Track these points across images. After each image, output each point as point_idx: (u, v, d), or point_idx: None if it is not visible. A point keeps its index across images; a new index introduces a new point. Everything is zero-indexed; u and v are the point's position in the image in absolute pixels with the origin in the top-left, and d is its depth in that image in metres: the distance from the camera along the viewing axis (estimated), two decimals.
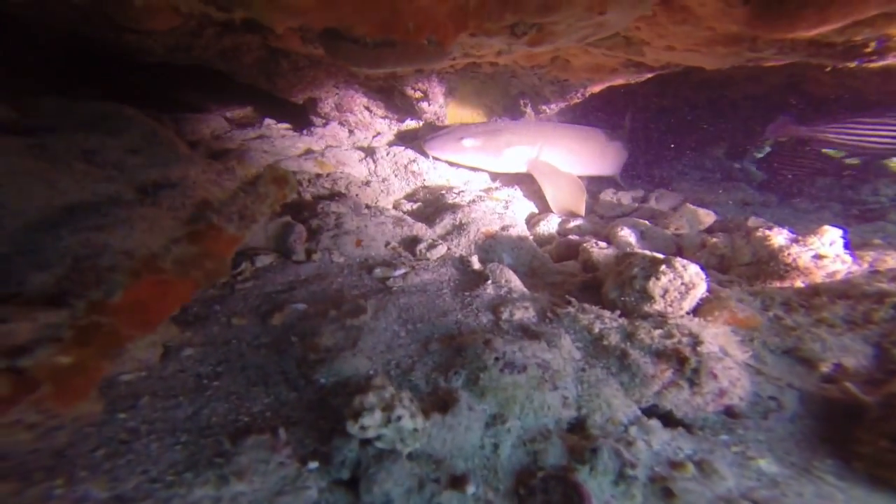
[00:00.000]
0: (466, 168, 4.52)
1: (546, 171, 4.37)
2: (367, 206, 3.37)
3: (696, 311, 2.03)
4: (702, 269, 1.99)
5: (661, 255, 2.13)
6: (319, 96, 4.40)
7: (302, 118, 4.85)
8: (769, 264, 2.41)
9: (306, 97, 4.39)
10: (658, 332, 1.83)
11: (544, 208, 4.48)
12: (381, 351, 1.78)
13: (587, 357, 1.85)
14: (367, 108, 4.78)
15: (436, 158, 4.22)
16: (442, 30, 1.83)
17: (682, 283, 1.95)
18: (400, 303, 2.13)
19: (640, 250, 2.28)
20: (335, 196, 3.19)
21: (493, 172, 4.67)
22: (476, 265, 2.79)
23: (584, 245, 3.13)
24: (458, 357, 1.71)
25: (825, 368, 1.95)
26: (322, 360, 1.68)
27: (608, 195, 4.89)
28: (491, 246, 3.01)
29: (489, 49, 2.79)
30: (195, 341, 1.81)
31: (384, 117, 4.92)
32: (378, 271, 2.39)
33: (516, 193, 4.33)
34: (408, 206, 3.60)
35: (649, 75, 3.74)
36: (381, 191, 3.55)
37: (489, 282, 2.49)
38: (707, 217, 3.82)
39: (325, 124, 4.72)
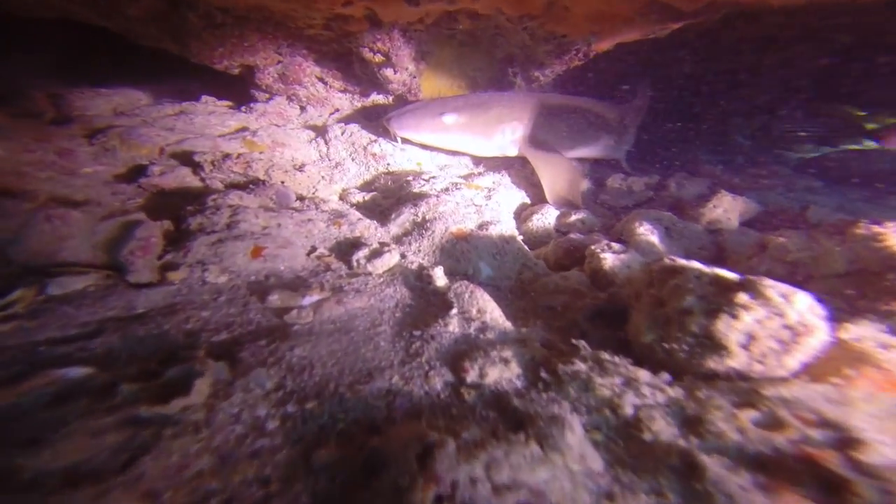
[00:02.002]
0: (446, 152, 3.65)
1: (541, 152, 3.51)
2: (301, 198, 2.51)
3: (807, 370, 1.18)
4: (818, 302, 1.15)
5: (731, 274, 1.29)
6: (256, 64, 3.50)
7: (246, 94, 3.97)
8: (886, 277, 1.56)
9: (239, 65, 3.49)
10: (750, 414, 0.99)
11: (538, 198, 3.62)
12: (189, 483, 0.91)
13: (615, 469, 1.01)
14: (321, 80, 3.89)
15: (406, 141, 3.34)
16: None
17: (785, 326, 1.10)
18: (292, 357, 1.27)
19: (689, 262, 1.45)
20: (251, 184, 2.32)
21: (478, 157, 3.80)
22: (439, 281, 1.94)
23: (592, 248, 2.28)
24: (361, 495, 0.86)
25: None
26: None
27: (616, 181, 4.03)
28: (464, 252, 2.16)
29: None
30: None
31: (343, 91, 4.03)
32: (274, 298, 1.52)
33: (503, 180, 3.46)
34: (358, 197, 2.74)
35: (675, 26, 2.86)
36: (322, 177, 2.67)
37: (453, 311, 1.64)
38: (748, 207, 2.96)
39: (269, 99, 3.84)
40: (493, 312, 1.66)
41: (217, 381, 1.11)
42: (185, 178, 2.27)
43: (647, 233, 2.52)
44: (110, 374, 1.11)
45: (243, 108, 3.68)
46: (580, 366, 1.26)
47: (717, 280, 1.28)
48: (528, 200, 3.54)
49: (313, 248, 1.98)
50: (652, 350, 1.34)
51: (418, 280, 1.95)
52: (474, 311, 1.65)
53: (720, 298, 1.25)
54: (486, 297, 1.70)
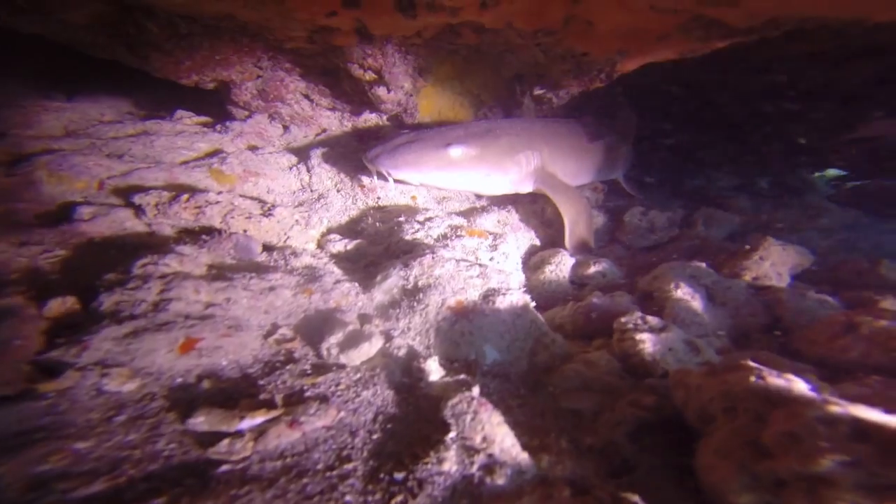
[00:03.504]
0: (444, 188, 3.18)
1: (561, 186, 3.07)
2: (268, 248, 2.07)
3: None
4: None
5: (883, 418, 0.85)
6: (232, 79, 3.08)
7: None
8: None
9: (213, 80, 3.07)
10: None
11: (549, 239, 3.19)
12: None
13: None
14: (307, 97, 3.47)
15: (399, 182, 2.80)
16: None
17: None
18: None
19: (791, 384, 1.01)
20: (203, 234, 1.87)
21: (488, 195, 3.35)
22: (433, 376, 1.51)
23: (623, 322, 1.84)
24: None
25: None
26: None
27: (635, 216, 3.59)
28: (465, 333, 1.71)
29: None
30: None
31: (332, 109, 3.61)
32: (198, 421, 1.08)
33: (510, 218, 3.04)
34: (339, 246, 2.29)
35: (720, 45, 2.43)
36: (296, 221, 2.23)
37: (450, 437, 1.20)
38: (800, 259, 2.53)
39: (247, 118, 3.41)
40: (503, 441, 1.22)
41: None
42: (125, 222, 1.83)
43: (688, 297, 2.09)
44: None
45: (218, 128, 3.26)
46: None
47: (870, 432, 0.84)
48: (537, 242, 3.11)
49: (274, 328, 1.53)
50: None
51: (406, 375, 1.51)
52: (478, 440, 1.21)
53: (890, 471, 0.80)
54: (495, 417, 1.25)
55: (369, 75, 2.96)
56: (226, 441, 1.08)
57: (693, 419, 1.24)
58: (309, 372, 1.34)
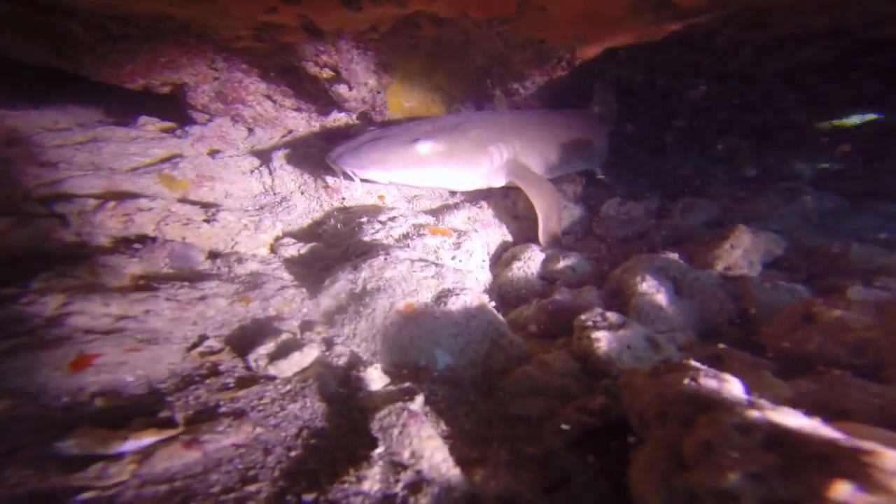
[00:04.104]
0: (413, 186, 3.10)
1: (534, 179, 2.98)
2: (214, 255, 1.98)
3: None
4: None
5: (803, 424, 0.78)
6: (185, 81, 2.98)
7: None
8: None
9: (163, 83, 2.97)
10: None
11: (521, 234, 3.11)
12: None
13: None
14: (269, 98, 3.37)
15: (366, 181, 2.73)
16: None
17: None
18: None
19: (720, 386, 0.93)
20: (136, 241, 1.79)
21: (458, 191, 3.26)
22: (373, 385, 1.43)
23: (582, 319, 1.77)
24: None
25: None
26: None
27: (612, 207, 3.51)
28: (413, 338, 1.64)
29: None
30: None
31: (297, 109, 3.52)
32: (69, 444, 0.99)
33: (481, 214, 2.95)
34: (292, 250, 2.21)
35: (674, 27, 2.35)
36: (245, 226, 2.14)
37: (377, 453, 1.12)
38: (771, 245, 2.45)
39: (208, 121, 3.32)
40: (432, 456, 1.14)
41: None
42: (50, 233, 1.74)
43: (652, 291, 2.01)
44: None
45: (178, 132, 3.17)
46: None
47: (782, 440, 0.76)
48: (509, 238, 3.03)
49: (201, 339, 1.45)
50: None
51: (343, 386, 1.43)
52: (406, 456, 1.13)
53: (795, 485, 0.73)
54: (425, 430, 1.17)
55: (326, 73, 2.87)
56: (97, 465, 0.98)
57: (635, 425, 1.17)
58: (231, 385, 1.26)
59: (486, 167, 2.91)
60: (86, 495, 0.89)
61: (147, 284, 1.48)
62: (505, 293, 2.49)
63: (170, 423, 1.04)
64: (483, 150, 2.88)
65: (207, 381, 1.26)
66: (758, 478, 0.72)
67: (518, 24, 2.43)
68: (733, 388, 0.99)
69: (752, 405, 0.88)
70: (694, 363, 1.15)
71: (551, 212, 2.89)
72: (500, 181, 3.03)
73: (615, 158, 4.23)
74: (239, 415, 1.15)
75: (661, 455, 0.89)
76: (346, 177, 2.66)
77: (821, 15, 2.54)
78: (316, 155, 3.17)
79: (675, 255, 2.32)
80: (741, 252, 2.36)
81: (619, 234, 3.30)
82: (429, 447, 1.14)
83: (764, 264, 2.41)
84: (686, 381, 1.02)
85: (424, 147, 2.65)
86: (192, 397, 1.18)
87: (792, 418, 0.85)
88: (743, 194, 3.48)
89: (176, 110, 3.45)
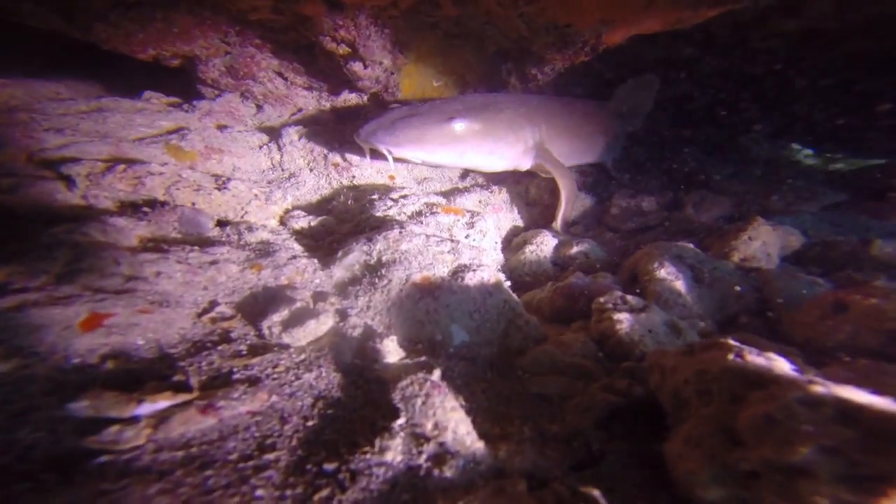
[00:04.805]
0: (445, 165, 2.97)
1: (558, 163, 2.93)
2: (223, 223, 1.93)
3: None
4: None
5: (872, 399, 0.73)
6: (196, 54, 2.91)
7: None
8: None
9: (174, 55, 2.90)
10: None
11: (533, 220, 3.06)
12: None
13: None
14: (280, 74, 3.30)
15: (399, 160, 2.61)
16: None
17: None
18: None
19: (771, 363, 0.89)
20: (144, 206, 1.73)
21: (488, 173, 3.16)
22: (389, 357, 1.39)
23: (601, 302, 1.72)
24: None
25: None
26: None
27: (623, 199, 3.46)
28: (430, 311, 1.59)
29: None
30: None
31: (307, 88, 3.45)
32: (81, 405, 0.93)
33: (493, 198, 2.91)
34: (302, 222, 2.15)
35: (710, 13, 2.29)
36: (255, 196, 2.08)
37: (398, 424, 1.08)
38: (790, 239, 2.41)
39: (217, 96, 3.25)
40: (457, 428, 1.09)
41: None
42: (55, 195, 1.68)
43: (671, 278, 1.96)
44: None
45: (185, 106, 3.09)
46: None
47: (856, 416, 0.71)
48: (520, 223, 2.98)
49: (212, 305, 1.40)
50: None
51: (359, 357, 1.38)
52: (429, 427, 1.08)
53: (880, 459, 0.68)
54: (449, 402, 1.13)
55: (343, 49, 2.80)
56: (113, 429, 0.93)
57: (668, 404, 1.12)
58: (244, 353, 1.21)
59: (520, 148, 2.85)
60: (101, 459, 0.84)
61: (155, 246, 1.43)
62: (517, 277, 2.45)
63: (184, 388, 0.99)
64: (517, 130, 2.82)
65: (220, 347, 1.21)
66: (834, 452, 0.67)
67: (544, 5, 2.37)
68: (783, 365, 0.95)
69: (810, 380, 0.83)
70: (732, 341, 1.11)
71: (572, 197, 2.85)
72: (527, 164, 2.97)
73: (627, 156, 4.19)
74: (254, 382, 1.10)
75: (708, 431, 0.84)
76: (375, 155, 2.59)
77: None
78: (326, 133, 3.12)
79: (690, 245, 2.28)
80: (759, 244, 2.32)
81: (630, 225, 3.26)
82: (453, 419, 1.10)
83: (782, 258, 2.38)
84: (730, 356, 0.98)
85: (460, 125, 2.58)
86: (204, 363, 1.12)
87: (860, 394, 0.80)
88: (756, 190, 3.44)
89: (181, 89, 3.37)
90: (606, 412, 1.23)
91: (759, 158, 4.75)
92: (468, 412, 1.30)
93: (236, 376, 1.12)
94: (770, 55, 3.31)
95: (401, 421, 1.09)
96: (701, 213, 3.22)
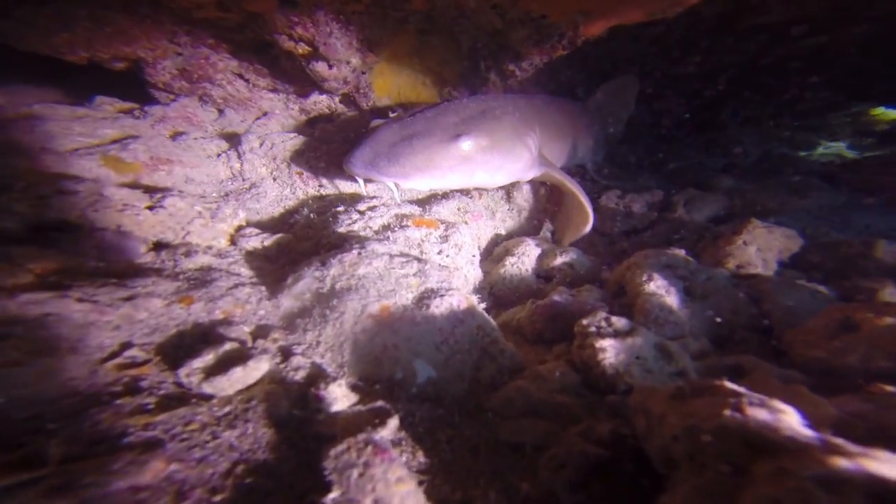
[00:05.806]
0: (451, 188, 2.59)
1: (560, 170, 2.69)
2: (158, 247, 1.71)
3: None
4: None
5: None
6: (140, 56, 2.68)
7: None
8: None
9: (114, 56, 2.66)
10: None
11: (521, 228, 2.87)
12: None
13: None
14: (241, 76, 3.08)
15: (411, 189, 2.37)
16: None
17: None
18: None
19: (779, 421, 0.71)
20: (58, 228, 1.51)
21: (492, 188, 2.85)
22: (338, 403, 1.20)
23: (584, 324, 1.54)
24: None
25: None
26: None
27: (612, 200, 3.30)
28: (389, 345, 1.39)
29: None
30: None
31: (272, 90, 3.23)
32: None
33: (472, 205, 2.70)
34: (254, 242, 1.94)
35: (690, 2, 2.12)
36: (199, 213, 1.87)
37: (330, 500, 0.88)
38: (788, 242, 2.24)
39: (172, 101, 3.02)
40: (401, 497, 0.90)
41: None
42: None
43: (661, 292, 1.78)
44: None
45: (135, 113, 2.86)
46: None
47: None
48: (502, 231, 2.80)
49: (123, 348, 1.19)
50: None
51: (299, 407, 1.18)
52: (367, 502, 0.89)
53: None
54: (395, 471, 0.93)
55: (302, 48, 2.59)
56: None
57: (656, 459, 0.94)
58: (150, 407, 1.01)
59: (526, 159, 2.50)
60: None
61: (58, 282, 1.22)
62: (497, 292, 2.26)
63: (38, 461, 0.79)
64: (521, 139, 2.48)
65: (119, 401, 1.01)
66: None
67: None
68: (791, 419, 0.76)
69: (829, 447, 0.65)
70: (729, 385, 0.92)
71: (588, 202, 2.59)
72: (532, 174, 2.63)
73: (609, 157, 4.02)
74: (150, 447, 0.90)
75: None
76: (370, 181, 2.27)
77: None
78: (286, 140, 2.90)
79: (682, 252, 2.11)
80: (755, 249, 2.15)
81: (619, 228, 3.09)
82: (398, 493, 0.90)
83: (780, 262, 2.21)
84: (727, 411, 0.80)
85: (467, 143, 2.21)
86: (88, 423, 0.92)
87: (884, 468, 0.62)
88: (750, 187, 3.28)
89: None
90: (584, 469, 1.04)
91: (751, 153, 4.61)
92: (426, 470, 1.12)
93: (128, 440, 0.92)
94: None
95: (333, 495, 0.90)
96: (692, 213, 3.05)
